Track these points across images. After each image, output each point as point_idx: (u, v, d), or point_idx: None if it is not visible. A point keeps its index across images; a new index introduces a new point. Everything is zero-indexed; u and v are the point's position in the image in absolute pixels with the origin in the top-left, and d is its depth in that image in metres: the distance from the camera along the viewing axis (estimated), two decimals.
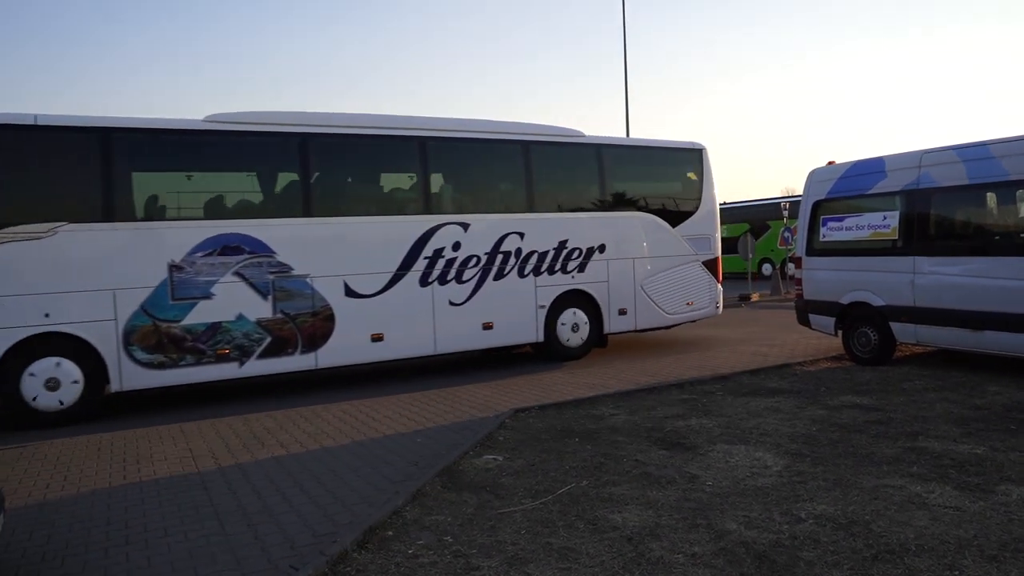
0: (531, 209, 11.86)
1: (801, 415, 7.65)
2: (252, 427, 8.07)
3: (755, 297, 22.52)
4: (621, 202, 12.83)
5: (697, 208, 13.43)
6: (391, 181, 11.54)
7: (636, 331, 13.00)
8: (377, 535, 4.75)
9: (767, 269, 30.97)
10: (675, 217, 13.16)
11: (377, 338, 10.44)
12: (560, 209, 12.23)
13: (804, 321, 11.92)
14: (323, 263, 10.07)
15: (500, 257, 11.44)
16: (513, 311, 11.59)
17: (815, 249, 11.56)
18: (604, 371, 10.83)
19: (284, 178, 10.53)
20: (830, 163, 11.81)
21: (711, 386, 9.35)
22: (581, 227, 12.21)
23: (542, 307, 11.85)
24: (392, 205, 11.22)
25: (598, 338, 12.53)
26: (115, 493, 6.00)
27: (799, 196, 15.15)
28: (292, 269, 9.85)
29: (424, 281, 10.81)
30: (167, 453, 7.17)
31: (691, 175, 13.63)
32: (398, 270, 10.62)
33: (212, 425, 8.28)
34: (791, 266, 28.10)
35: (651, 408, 8.21)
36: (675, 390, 9.16)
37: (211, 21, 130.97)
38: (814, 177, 11.82)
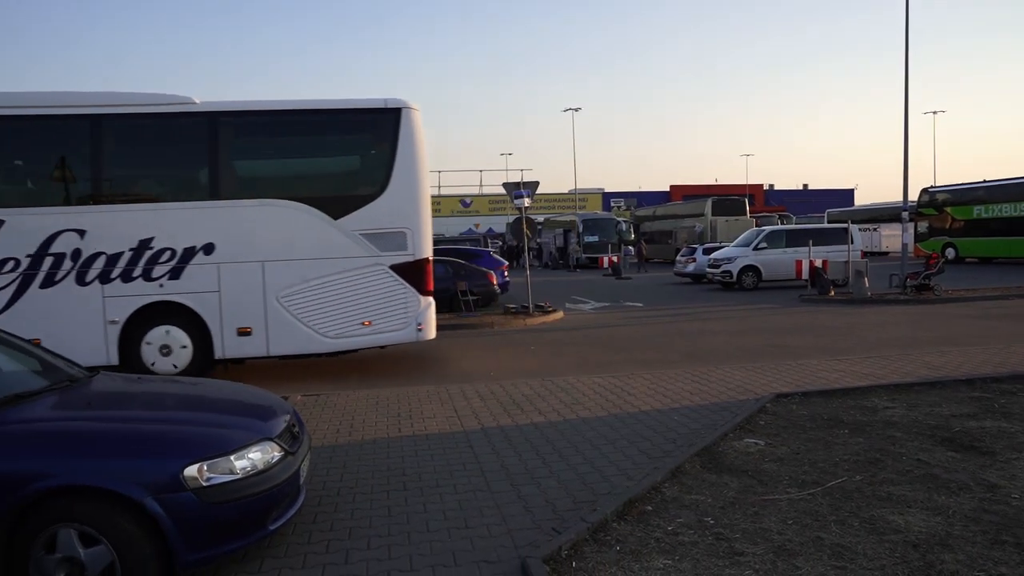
0: (99, 200, 9.58)
1: None
2: (511, 394, 8.46)
3: None
4: (248, 186, 10.15)
5: (382, 192, 10.05)
6: None
7: (271, 357, 10.13)
8: (636, 508, 4.75)
9: None
10: (341, 204, 9.96)
11: None
12: (145, 198, 9.89)
13: None
14: None
15: (50, 260, 9.31)
16: (69, 327, 9.31)
17: None
18: (875, 360, 9.89)
19: None
20: None
21: (1011, 385, 8.16)
22: (175, 221, 9.63)
23: (114, 323, 9.49)
24: None
25: (208, 363, 9.90)
26: (392, 444, 6.60)
27: None
28: None
29: None
30: (435, 412, 7.74)
31: (376, 147, 10.41)
32: None
33: (474, 389, 8.81)
34: None
35: (934, 404, 7.36)
36: (964, 387, 8.13)
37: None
38: None
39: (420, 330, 10.24)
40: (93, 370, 5.10)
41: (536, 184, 17.76)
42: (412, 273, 10.11)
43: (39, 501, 3.53)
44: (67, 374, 4.78)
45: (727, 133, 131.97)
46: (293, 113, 10.07)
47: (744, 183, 72.46)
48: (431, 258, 10.35)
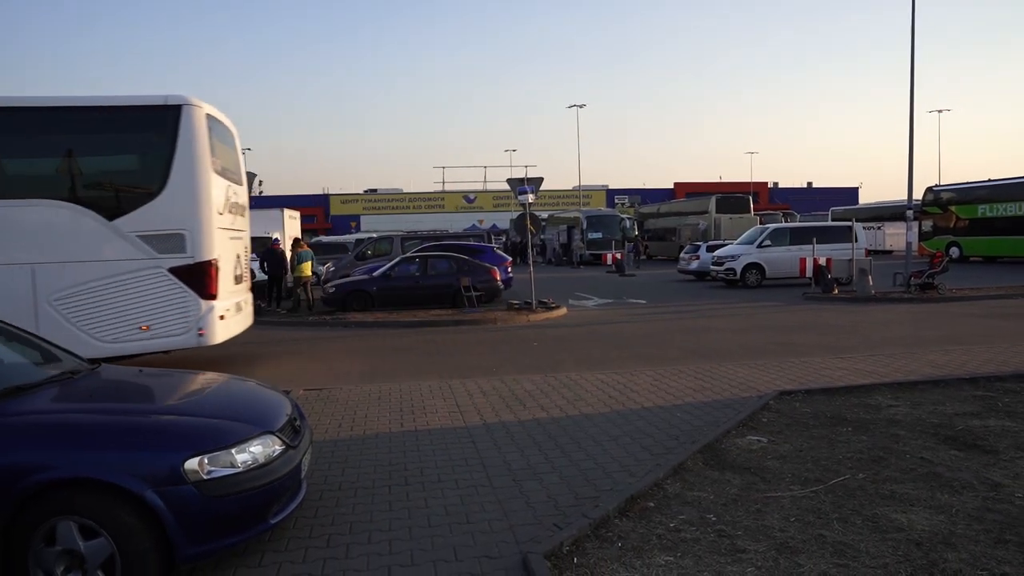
0: None
1: None
2: (514, 389, 8.45)
3: None
4: (18, 185, 9.66)
5: (160, 192, 9.49)
6: None
7: None
8: (638, 504, 4.73)
9: None
10: (116, 205, 9.49)
11: None
12: None
13: None
14: None
15: None
16: None
17: None
18: (878, 358, 9.85)
19: None
20: None
21: (1015, 384, 8.11)
22: None
23: None
24: None
25: None
26: (395, 438, 6.59)
27: None
28: None
29: None
30: (437, 407, 7.72)
31: (154, 146, 9.80)
32: None
33: (476, 384, 8.79)
34: None
35: (937, 403, 7.33)
36: (968, 385, 8.08)
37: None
38: None
39: (201, 335, 9.64)
40: (95, 362, 5.09)
41: (540, 180, 17.73)
42: (192, 276, 9.58)
43: (39, 493, 3.51)
44: (69, 366, 4.77)
45: (732, 131, 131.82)
46: (66, 110, 9.62)
47: (748, 181, 72.30)
48: (215, 260, 9.74)
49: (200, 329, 9.64)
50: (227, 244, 10.27)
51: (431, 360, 11.09)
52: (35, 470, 3.51)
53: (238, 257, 10.98)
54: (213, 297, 9.75)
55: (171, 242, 9.49)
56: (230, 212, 10.52)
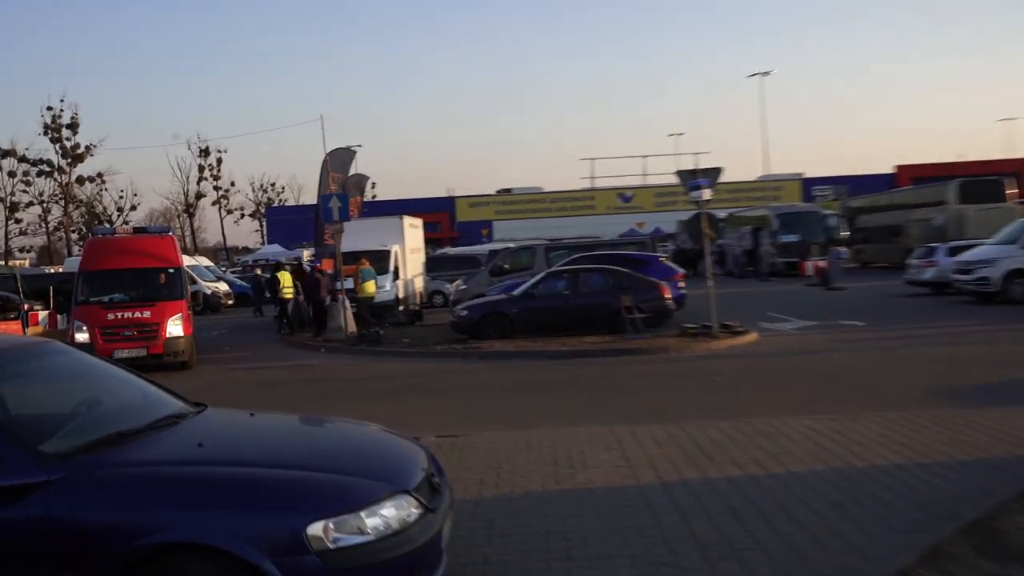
0: None
1: None
2: (696, 439, 8.27)
3: None
4: None
5: None
6: None
7: None
8: None
9: None
10: None
11: None
12: None
13: None
14: None
15: None
16: None
17: None
18: None
19: None
20: None
21: None
22: None
23: None
24: None
25: None
26: (549, 498, 6.59)
27: None
28: None
29: None
30: (600, 459, 7.68)
31: None
32: None
33: (648, 432, 8.67)
34: None
35: None
36: None
37: None
38: None
39: None
40: (200, 405, 5.39)
41: (718, 171, 17.58)
42: None
43: (141, 559, 3.72)
44: (174, 408, 5.08)
45: (975, 94, 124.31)
46: None
47: (1001, 158, 67.95)
48: None
49: None
50: None
51: (589, 400, 11.10)
52: (138, 533, 3.73)
53: None
54: None
55: None
56: None
